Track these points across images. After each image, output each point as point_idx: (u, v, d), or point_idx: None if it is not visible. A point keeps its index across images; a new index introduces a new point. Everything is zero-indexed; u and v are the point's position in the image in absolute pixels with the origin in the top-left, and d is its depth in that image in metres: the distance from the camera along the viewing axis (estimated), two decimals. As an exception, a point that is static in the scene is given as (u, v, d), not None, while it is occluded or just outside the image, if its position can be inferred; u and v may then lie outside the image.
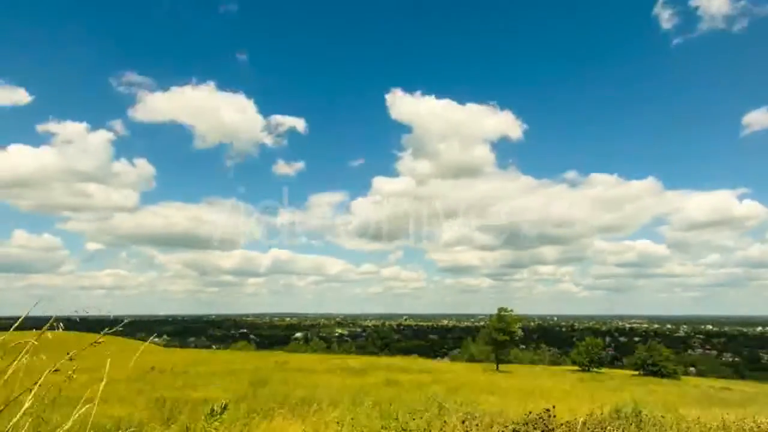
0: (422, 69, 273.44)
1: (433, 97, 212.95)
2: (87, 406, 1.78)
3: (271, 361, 28.88)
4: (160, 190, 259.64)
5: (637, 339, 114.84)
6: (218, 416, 7.09)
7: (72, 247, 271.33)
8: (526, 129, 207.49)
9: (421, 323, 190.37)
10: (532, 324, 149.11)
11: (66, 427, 1.73)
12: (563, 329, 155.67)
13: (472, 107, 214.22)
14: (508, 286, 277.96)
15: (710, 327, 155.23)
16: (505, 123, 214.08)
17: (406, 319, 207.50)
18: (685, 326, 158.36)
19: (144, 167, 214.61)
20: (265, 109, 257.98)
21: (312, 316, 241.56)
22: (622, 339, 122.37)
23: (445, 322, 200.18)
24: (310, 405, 10.61)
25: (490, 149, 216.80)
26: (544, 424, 5.06)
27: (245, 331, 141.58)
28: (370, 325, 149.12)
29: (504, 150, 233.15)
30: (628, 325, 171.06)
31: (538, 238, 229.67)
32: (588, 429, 5.49)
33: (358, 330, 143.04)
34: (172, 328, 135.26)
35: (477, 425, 6.20)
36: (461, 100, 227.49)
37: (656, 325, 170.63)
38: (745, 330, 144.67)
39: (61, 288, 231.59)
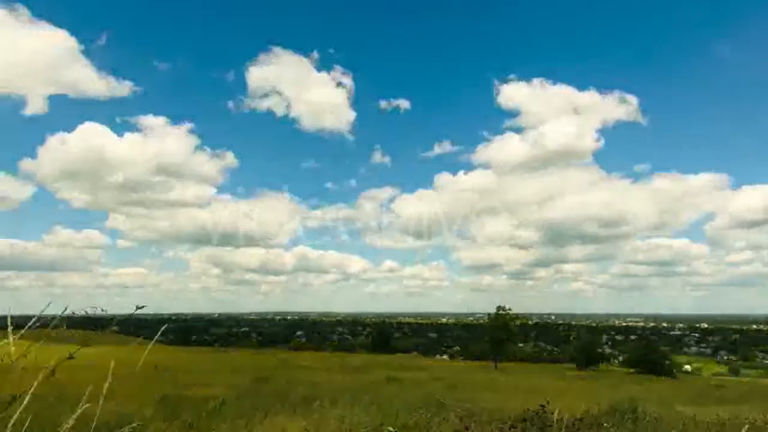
0: (535, 55, 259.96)
1: (542, 81, 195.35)
2: (88, 404, 1.76)
3: (272, 359, 29.03)
4: (236, 183, 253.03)
5: (633, 337, 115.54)
6: (218, 413, 7.20)
7: (107, 245, 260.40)
8: (629, 119, 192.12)
9: (421, 321, 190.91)
10: (530, 322, 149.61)
11: (70, 423, 1.71)
12: (561, 327, 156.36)
13: (583, 95, 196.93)
14: (522, 285, 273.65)
15: (705, 325, 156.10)
16: (611, 113, 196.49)
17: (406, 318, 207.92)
18: (681, 324, 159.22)
19: (227, 159, 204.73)
20: (366, 93, 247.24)
21: (314, 314, 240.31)
22: (619, 337, 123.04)
23: (445, 320, 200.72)
24: (311, 402, 10.73)
25: (593, 139, 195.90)
26: (541, 420, 5.19)
27: (247, 329, 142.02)
28: (371, 322, 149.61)
29: (608, 139, 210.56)
30: (624, 324, 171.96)
31: (576, 236, 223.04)
32: (585, 425, 5.61)
33: (359, 328, 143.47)
34: (175, 326, 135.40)
35: (475, 422, 6.33)
36: (578, 87, 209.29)
37: (653, 324, 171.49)
38: (739, 328, 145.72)
39: (79, 287, 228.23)
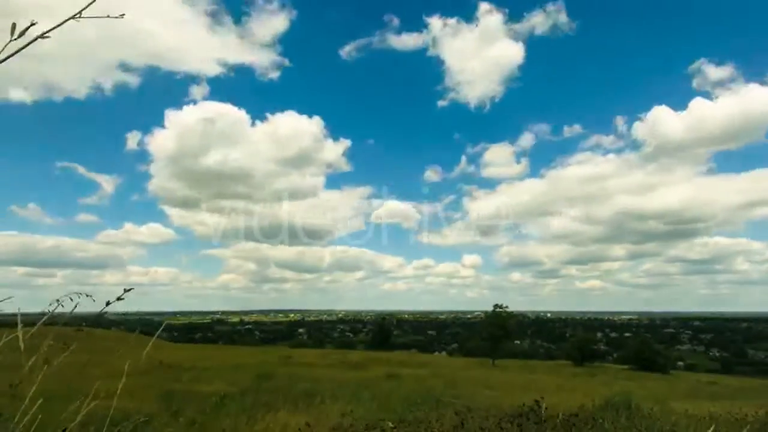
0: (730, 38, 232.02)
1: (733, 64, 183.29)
2: (96, 401, 1.78)
3: (275, 356, 29.20)
4: (354, 174, 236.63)
5: (628, 334, 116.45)
6: (222, 409, 7.40)
7: (154, 243, 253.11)
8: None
9: (420, 319, 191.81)
10: (526, 320, 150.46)
11: (78, 419, 1.75)
12: (557, 324, 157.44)
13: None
14: (541, 283, 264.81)
15: (698, 323, 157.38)
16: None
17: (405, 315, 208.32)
18: (674, 321, 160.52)
19: (361, 146, 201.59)
20: (536, 63, 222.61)
21: (315, 312, 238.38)
22: (614, 334, 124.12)
23: (443, 317, 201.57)
24: (312, 398, 10.93)
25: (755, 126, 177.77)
26: (536, 415, 5.38)
27: (250, 326, 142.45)
28: (370, 320, 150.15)
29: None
30: (619, 320, 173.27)
31: (635, 232, 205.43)
32: (580, 420, 5.82)
33: (359, 325, 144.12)
34: (179, 324, 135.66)
35: (472, 417, 6.53)
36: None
37: (647, 321, 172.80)
38: (734, 325, 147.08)
39: (107, 284, 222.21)
